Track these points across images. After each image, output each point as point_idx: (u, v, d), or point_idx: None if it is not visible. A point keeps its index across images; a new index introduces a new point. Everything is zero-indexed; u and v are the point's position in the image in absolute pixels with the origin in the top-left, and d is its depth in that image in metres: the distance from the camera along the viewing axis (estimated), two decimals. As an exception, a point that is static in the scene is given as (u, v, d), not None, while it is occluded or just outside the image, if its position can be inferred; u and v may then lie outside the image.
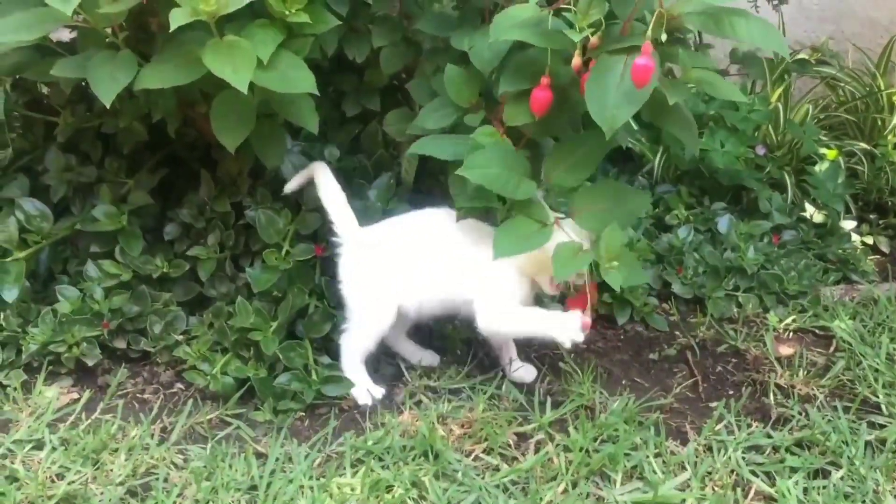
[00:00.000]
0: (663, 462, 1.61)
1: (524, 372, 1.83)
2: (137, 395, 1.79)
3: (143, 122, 1.93)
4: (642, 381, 1.86)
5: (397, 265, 1.75)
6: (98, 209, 1.92)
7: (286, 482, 1.54)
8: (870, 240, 2.46)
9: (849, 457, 1.62)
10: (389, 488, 1.53)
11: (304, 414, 1.73)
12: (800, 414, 1.75)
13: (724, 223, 2.28)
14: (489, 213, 1.75)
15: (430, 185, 2.04)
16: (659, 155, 2.45)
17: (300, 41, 1.64)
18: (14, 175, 2.00)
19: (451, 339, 1.93)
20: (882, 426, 1.72)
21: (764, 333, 2.02)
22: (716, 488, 1.56)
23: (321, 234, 1.92)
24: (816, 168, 2.48)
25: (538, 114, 1.58)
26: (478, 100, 1.72)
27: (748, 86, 2.70)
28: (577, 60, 1.51)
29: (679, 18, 1.45)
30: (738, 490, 1.55)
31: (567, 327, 1.64)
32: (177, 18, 1.45)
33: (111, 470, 1.56)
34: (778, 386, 1.84)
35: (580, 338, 1.65)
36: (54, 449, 1.61)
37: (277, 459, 1.59)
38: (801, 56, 2.71)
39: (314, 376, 1.75)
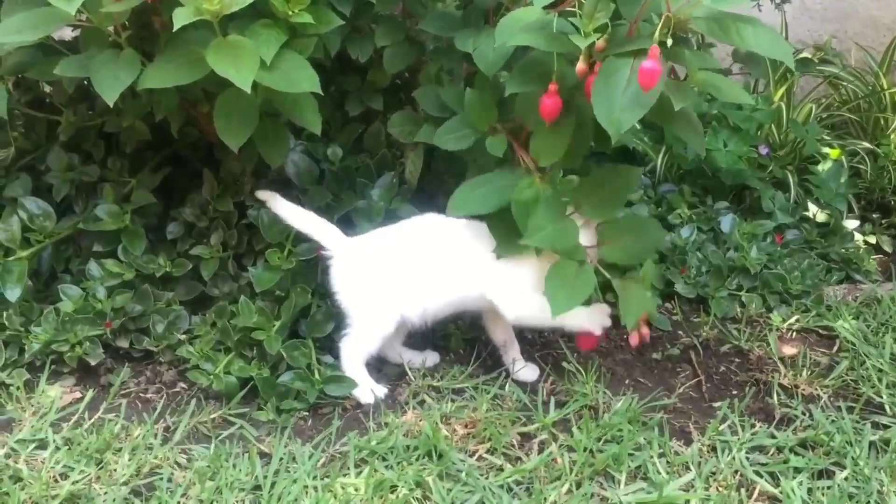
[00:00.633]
0: (667, 462, 1.61)
1: (527, 371, 1.83)
2: (140, 394, 1.79)
3: (146, 122, 1.93)
4: (646, 380, 1.86)
5: (399, 273, 1.75)
6: (101, 208, 1.92)
7: (290, 482, 1.54)
8: (872, 239, 2.46)
9: (853, 457, 1.62)
10: (393, 488, 1.53)
11: (307, 413, 1.73)
12: (803, 414, 1.75)
13: (727, 223, 2.28)
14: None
15: (434, 185, 2.04)
16: (662, 154, 2.45)
17: (303, 41, 1.64)
18: (17, 174, 2.00)
19: (454, 339, 1.93)
20: (886, 426, 1.72)
21: (767, 333, 2.02)
22: (720, 489, 1.56)
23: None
24: (819, 167, 2.48)
25: (547, 120, 1.57)
26: (496, 122, 1.73)
27: (751, 85, 2.70)
28: (581, 65, 1.51)
29: (686, 22, 1.44)
30: (742, 490, 1.55)
31: (595, 313, 1.72)
32: (180, 18, 1.45)
33: (115, 470, 1.56)
34: (781, 386, 1.83)
35: (608, 322, 1.74)
36: (58, 448, 1.61)
37: (281, 459, 1.59)
38: (804, 55, 2.70)
39: (317, 376, 1.75)
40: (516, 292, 1.73)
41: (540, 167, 1.66)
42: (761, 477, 1.58)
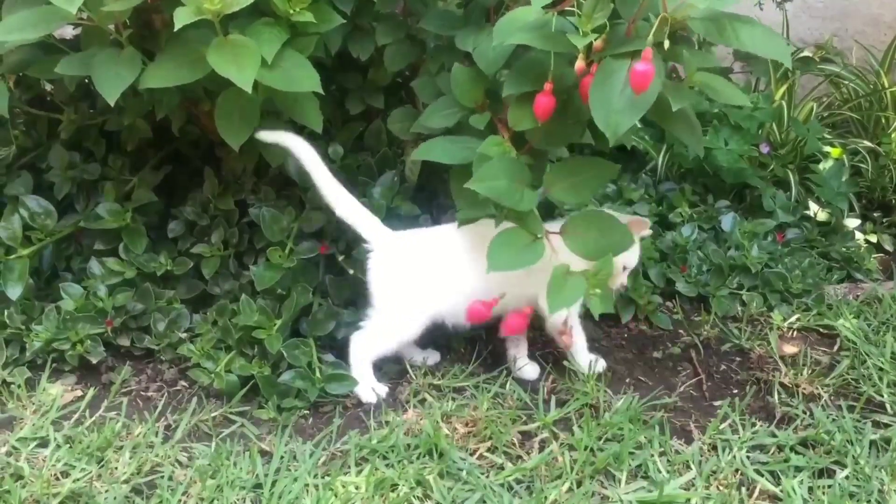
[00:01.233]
0: (668, 461, 1.61)
1: (529, 369, 1.83)
2: (141, 392, 1.79)
3: (147, 120, 1.93)
4: (646, 379, 1.86)
5: (440, 275, 1.74)
6: (102, 206, 1.92)
7: (291, 480, 1.54)
8: (873, 238, 2.46)
9: (853, 456, 1.62)
10: (394, 487, 1.53)
11: (307, 412, 1.73)
12: (804, 413, 1.75)
13: (727, 221, 2.28)
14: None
15: (435, 183, 2.04)
16: (662, 153, 2.44)
17: (304, 40, 1.64)
18: (18, 172, 2.01)
19: (455, 338, 1.93)
20: (887, 425, 1.72)
21: (768, 332, 2.02)
22: (720, 487, 1.56)
23: (325, 232, 1.92)
24: (820, 166, 2.48)
25: (541, 119, 1.57)
26: (483, 100, 1.72)
27: (752, 83, 2.70)
28: (580, 64, 1.50)
29: (683, 22, 1.43)
30: (743, 489, 1.55)
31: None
32: (181, 17, 1.45)
33: (116, 468, 1.56)
34: (782, 385, 1.83)
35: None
36: (59, 447, 1.61)
37: (282, 458, 1.59)
38: (805, 54, 2.70)
39: (318, 374, 1.75)
40: None
41: (514, 132, 1.63)
42: (762, 476, 1.59)
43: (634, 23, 1.49)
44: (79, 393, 1.78)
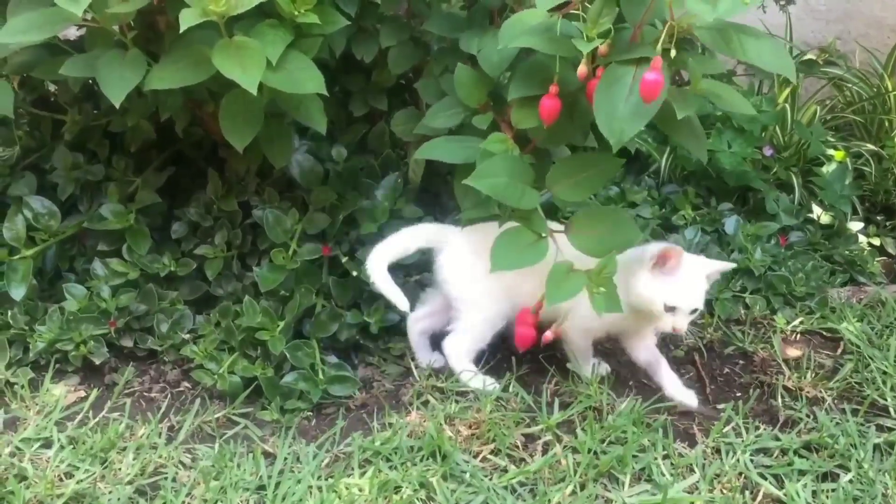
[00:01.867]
0: (671, 464, 1.60)
1: (686, 395, 1.78)
2: (145, 393, 1.79)
3: (151, 121, 1.93)
4: (650, 382, 1.86)
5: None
6: (105, 207, 1.92)
7: (294, 482, 1.54)
8: (877, 241, 2.45)
9: (857, 460, 1.62)
10: (397, 489, 1.53)
11: (311, 414, 1.73)
12: (808, 416, 1.74)
13: (730, 224, 2.28)
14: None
15: (438, 185, 2.04)
16: (665, 155, 2.44)
17: (309, 41, 1.64)
18: (22, 173, 2.01)
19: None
20: (890, 429, 1.71)
21: (771, 335, 2.02)
22: (724, 491, 1.55)
23: (329, 234, 1.92)
24: (824, 169, 2.48)
25: (546, 122, 1.57)
26: (487, 101, 1.72)
27: (755, 86, 2.70)
28: (583, 68, 1.50)
29: (689, 29, 1.43)
30: (747, 493, 1.55)
31: None
32: (187, 19, 1.45)
33: (119, 469, 1.56)
34: (786, 388, 1.83)
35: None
36: (62, 447, 1.61)
37: (286, 459, 1.59)
38: (808, 57, 2.70)
39: (321, 376, 1.75)
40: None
41: (517, 131, 1.63)
42: (765, 479, 1.58)
43: (640, 28, 1.49)
44: (82, 394, 1.78)
